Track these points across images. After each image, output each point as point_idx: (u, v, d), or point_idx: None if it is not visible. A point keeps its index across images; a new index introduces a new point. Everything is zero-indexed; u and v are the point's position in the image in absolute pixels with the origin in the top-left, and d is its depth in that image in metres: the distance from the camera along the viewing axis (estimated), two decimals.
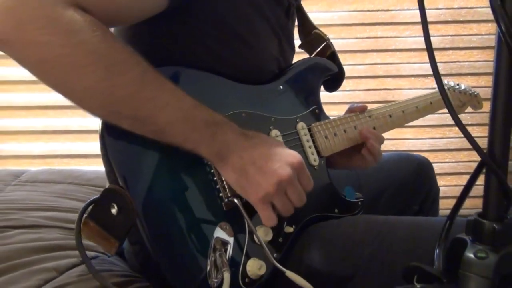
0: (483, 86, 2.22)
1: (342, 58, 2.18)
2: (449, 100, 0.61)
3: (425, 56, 2.21)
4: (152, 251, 0.71)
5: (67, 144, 2.29)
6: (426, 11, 0.59)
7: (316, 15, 2.18)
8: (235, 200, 0.75)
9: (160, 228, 0.72)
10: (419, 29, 2.17)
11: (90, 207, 0.72)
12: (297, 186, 0.75)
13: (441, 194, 2.27)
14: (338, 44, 2.23)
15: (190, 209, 0.74)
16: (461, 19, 2.21)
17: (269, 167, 0.72)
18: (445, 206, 2.31)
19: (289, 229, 0.82)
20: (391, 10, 2.20)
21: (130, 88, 0.66)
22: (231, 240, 0.75)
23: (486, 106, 1.96)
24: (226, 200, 0.76)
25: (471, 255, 0.62)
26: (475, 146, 0.59)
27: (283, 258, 0.81)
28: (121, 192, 0.70)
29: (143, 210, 0.71)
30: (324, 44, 1.06)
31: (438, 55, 2.21)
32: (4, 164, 2.28)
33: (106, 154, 0.73)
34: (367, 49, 2.23)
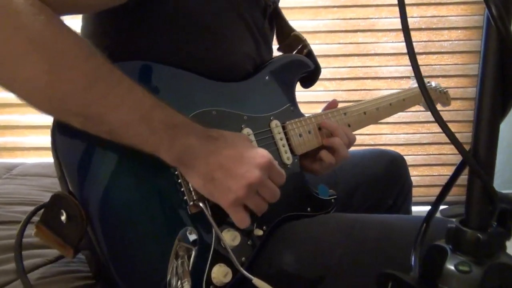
0: (453, 87, 2.06)
1: (326, 61, 2.06)
2: (431, 100, 0.47)
3: (400, 60, 2.07)
4: (105, 260, 0.55)
5: None
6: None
7: (303, 23, 2.03)
8: (201, 204, 0.59)
9: (115, 235, 0.56)
10: (395, 35, 2.02)
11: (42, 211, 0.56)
12: (268, 185, 0.59)
13: (414, 183, 2.13)
14: (322, 49, 2.09)
15: (150, 215, 0.58)
16: (433, 27, 2.04)
17: (237, 171, 0.56)
18: (417, 193, 2.17)
19: (259, 232, 0.66)
20: (370, 18, 2.04)
21: (80, 83, 0.50)
22: (194, 246, 0.59)
23: (454, 105, 1.80)
24: (191, 203, 0.60)
25: (452, 268, 0.46)
26: (457, 145, 0.44)
27: (252, 261, 0.65)
28: (69, 199, 0.54)
29: (96, 218, 0.54)
30: (301, 45, 0.89)
31: None
32: (27, 155, 2.13)
33: (57, 156, 0.56)
34: (348, 53, 2.07)
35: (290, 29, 0.91)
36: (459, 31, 2.04)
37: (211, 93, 0.68)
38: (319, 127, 0.81)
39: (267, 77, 0.77)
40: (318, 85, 2.09)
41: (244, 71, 0.76)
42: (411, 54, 0.50)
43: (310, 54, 0.88)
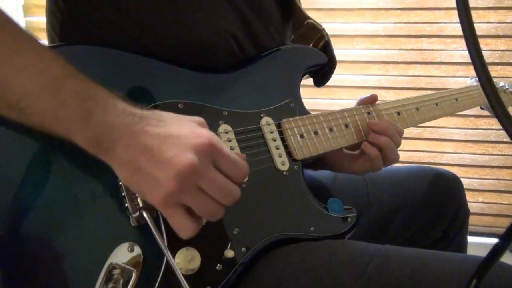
0: None
1: (384, 68, 1.82)
2: (498, 96, 0.30)
3: (471, 69, 1.78)
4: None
5: None
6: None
7: (361, 26, 1.82)
8: (144, 214, 0.43)
9: (19, 252, 0.41)
10: None
11: None
12: (213, 177, 0.42)
13: (479, 211, 1.81)
14: (381, 55, 1.84)
15: (75, 224, 0.43)
16: None
17: (163, 155, 0.40)
18: (482, 223, 1.85)
19: (230, 253, 0.48)
20: (439, 22, 1.78)
21: None
22: (136, 268, 0.43)
23: None
24: (136, 214, 0.44)
25: None
26: None
27: None
28: None
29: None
30: (318, 35, 0.72)
31: None
32: None
33: None
34: (410, 60, 1.82)
35: (305, 17, 0.74)
36: None
37: (179, 82, 0.54)
38: (329, 128, 0.64)
39: (261, 68, 0.62)
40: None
41: (226, 56, 0.60)
42: (468, 31, 0.32)
43: (327, 46, 0.71)
